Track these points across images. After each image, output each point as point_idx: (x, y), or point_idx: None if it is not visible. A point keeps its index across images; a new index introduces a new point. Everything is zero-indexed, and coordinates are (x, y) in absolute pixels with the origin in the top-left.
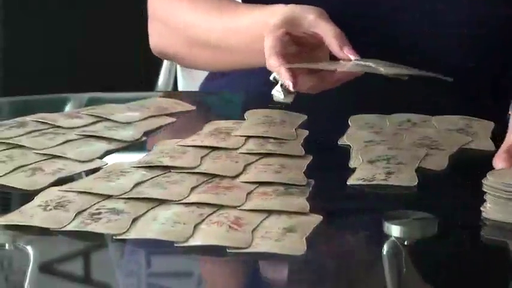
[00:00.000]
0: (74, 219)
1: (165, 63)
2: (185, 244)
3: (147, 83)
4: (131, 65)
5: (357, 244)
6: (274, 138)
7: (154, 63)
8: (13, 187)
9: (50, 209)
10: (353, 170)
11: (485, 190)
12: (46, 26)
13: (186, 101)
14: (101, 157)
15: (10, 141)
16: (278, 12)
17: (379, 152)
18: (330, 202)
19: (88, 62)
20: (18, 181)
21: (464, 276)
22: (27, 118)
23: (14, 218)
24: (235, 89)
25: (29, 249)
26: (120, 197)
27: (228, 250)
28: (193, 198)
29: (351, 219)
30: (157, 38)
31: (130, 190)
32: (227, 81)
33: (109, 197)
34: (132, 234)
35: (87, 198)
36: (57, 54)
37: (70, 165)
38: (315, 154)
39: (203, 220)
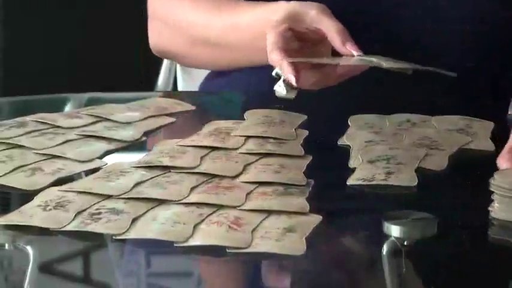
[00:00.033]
0: (73, 219)
1: (165, 62)
2: (185, 244)
3: (147, 83)
4: (131, 65)
5: (357, 244)
6: (274, 138)
7: (154, 63)
8: (13, 187)
9: (50, 209)
10: (353, 170)
11: (492, 190)
12: (46, 26)
13: (186, 101)
14: (101, 157)
15: (10, 141)
16: (280, 9)
17: (379, 152)
18: (330, 202)
19: (88, 62)
20: (18, 181)
21: (464, 277)
22: (27, 118)
23: (13, 218)
24: (235, 89)
25: (29, 249)
26: (120, 197)
27: (227, 250)
28: (193, 198)
29: (351, 219)
30: (158, 37)
31: (130, 190)
32: (227, 81)
33: (109, 197)
34: (131, 234)
35: (87, 198)
36: (57, 54)
37: (70, 165)
38: (314, 154)
39: (203, 220)
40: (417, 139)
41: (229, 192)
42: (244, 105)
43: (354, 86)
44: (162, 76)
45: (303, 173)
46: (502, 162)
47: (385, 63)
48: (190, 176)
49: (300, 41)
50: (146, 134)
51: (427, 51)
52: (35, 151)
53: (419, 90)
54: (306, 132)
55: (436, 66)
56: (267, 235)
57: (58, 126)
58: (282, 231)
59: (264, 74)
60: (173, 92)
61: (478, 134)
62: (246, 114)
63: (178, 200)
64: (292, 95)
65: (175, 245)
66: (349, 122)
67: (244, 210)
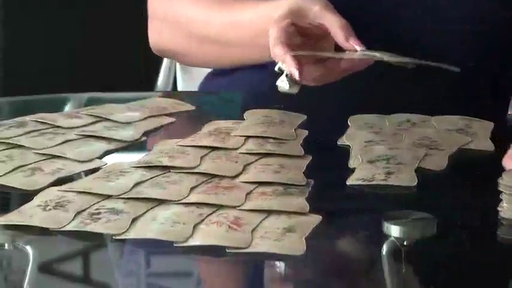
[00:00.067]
0: (73, 219)
1: (165, 62)
2: (184, 244)
3: (147, 83)
4: (131, 65)
5: (357, 244)
6: (274, 138)
7: (154, 63)
8: (12, 187)
9: (50, 209)
10: (352, 170)
11: (501, 190)
12: (46, 26)
13: (186, 100)
14: (101, 157)
15: (9, 141)
16: (283, 5)
17: (379, 152)
18: (330, 202)
19: (88, 62)
20: (18, 181)
21: (464, 277)
22: (27, 118)
23: (13, 218)
24: (235, 89)
25: (29, 249)
26: (120, 197)
27: (227, 250)
28: (192, 198)
29: (351, 219)
30: (158, 35)
31: (130, 190)
32: (226, 81)
33: (108, 197)
34: (131, 234)
35: (87, 198)
36: (57, 54)
37: (69, 165)
38: (314, 154)
39: (203, 220)
40: (417, 139)
41: (229, 192)
42: (244, 105)
43: (354, 86)
44: (161, 76)
45: (303, 173)
46: (509, 162)
47: (389, 57)
48: (190, 176)
49: (302, 37)
50: (146, 134)
51: (427, 51)
52: (35, 151)
53: (419, 90)
54: (305, 132)
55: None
56: (266, 235)
57: (58, 126)
58: (281, 231)
59: (263, 74)
60: (173, 92)
61: (478, 134)
62: (246, 114)
63: (178, 200)
64: (295, 90)
65: (175, 245)
66: (348, 122)
67: (244, 210)
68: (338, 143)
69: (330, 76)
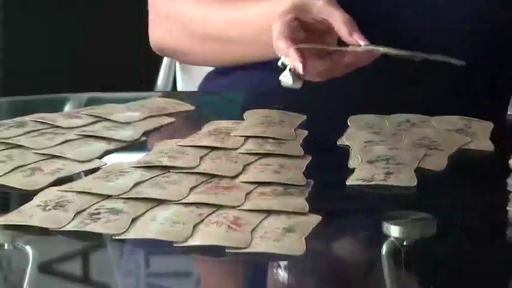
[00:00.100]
0: (73, 219)
1: (164, 62)
2: (184, 244)
3: (147, 83)
4: (131, 65)
5: (356, 244)
6: (274, 139)
7: (154, 63)
8: (12, 187)
9: (49, 209)
10: (352, 170)
11: (510, 190)
12: (46, 26)
13: (186, 101)
14: (100, 157)
15: (9, 141)
16: (286, 0)
17: (379, 152)
18: (329, 202)
19: (88, 62)
20: (17, 181)
21: (464, 277)
22: (26, 118)
23: (13, 218)
24: (235, 89)
25: (28, 249)
26: (119, 197)
27: (227, 250)
28: (192, 198)
29: (350, 220)
30: (158, 34)
31: (130, 190)
32: (226, 81)
33: (108, 197)
34: (131, 234)
35: (86, 198)
36: (57, 54)
37: (69, 165)
38: (314, 154)
39: (202, 220)
40: (417, 139)
41: (228, 192)
42: (244, 105)
43: (354, 86)
44: (161, 76)
45: (303, 173)
46: None
47: (393, 50)
48: (189, 176)
49: (306, 32)
50: (146, 134)
51: (427, 51)
52: (35, 151)
53: (419, 91)
54: (305, 133)
55: (437, 65)
56: (266, 235)
57: (57, 126)
58: (281, 231)
59: (263, 74)
60: (172, 92)
61: (478, 134)
62: (246, 114)
63: (177, 200)
64: (299, 84)
65: (174, 245)
66: (348, 122)
67: (244, 210)
68: (338, 143)
69: (333, 71)
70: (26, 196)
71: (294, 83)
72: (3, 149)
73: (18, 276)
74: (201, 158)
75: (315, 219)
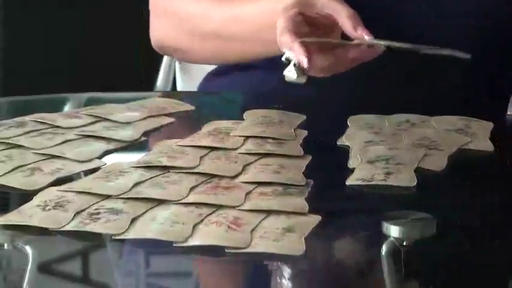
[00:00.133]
0: (72, 219)
1: (164, 62)
2: (184, 244)
3: (147, 83)
4: (131, 65)
5: (356, 244)
6: (273, 139)
7: (154, 63)
8: (12, 187)
9: (49, 209)
10: (352, 170)
11: None
12: (46, 26)
13: (185, 101)
14: (100, 157)
15: (9, 141)
16: None
17: (378, 152)
18: (329, 202)
19: (88, 62)
20: (17, 181)
21: (464, 277)
22: (26, 118)
23: (12, 218)
24: (234, 89)
25: (28, 249)
26: (119, 197)
27: (226, 250)
28: (192, 198)
29: (350, 220)
30: (159, 32)
31: (129, 190)
32: (226, 81)
33: (108, 197)
34: (131, 234)
35: (86, 198)
36: (57, 54)
37: (69, 165)
38: (314, 154)
39: (202, 220)
40: (416, 139)
41: (228, 192)
42: (243, 105)
43: (354, 86)
44: (161, 76)
45: (302, 173)
46: None
47: (397, 44)
48: (189, 176)
49: (310, 26)
50: (145, 134)
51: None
52: (34, 151)
53: (419, 91)
54: (305, 133)
55: (441, 60)
56: (266, 235)
57: (57, 126)
58: (281, 232)
59: (263, 74)
60: (172, 92)
61: (477, 134)
62: (245, 114)
63: (177, 200)
64: (303, 79)
65: (174, 245)
66: (348, 122)
67: (244, 210)
68: (337, 143)
69: (338, 66)
70: (26, 196)
71: (298, 78)
72: (3, 149)
73: (18, 276)
74: (201, 158)
75: (315, 219)
